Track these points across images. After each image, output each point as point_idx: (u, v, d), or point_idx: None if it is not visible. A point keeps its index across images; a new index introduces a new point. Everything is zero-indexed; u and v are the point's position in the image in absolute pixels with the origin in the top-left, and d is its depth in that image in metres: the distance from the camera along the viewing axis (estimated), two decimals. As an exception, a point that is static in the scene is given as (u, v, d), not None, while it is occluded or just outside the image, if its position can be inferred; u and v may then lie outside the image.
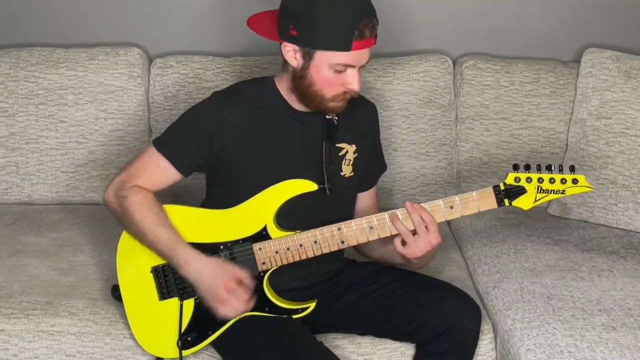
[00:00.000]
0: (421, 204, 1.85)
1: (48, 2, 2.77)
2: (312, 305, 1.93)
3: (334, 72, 1.81)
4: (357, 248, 2.02)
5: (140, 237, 1.91)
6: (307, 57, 1.81)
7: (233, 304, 1.85)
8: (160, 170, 1.92)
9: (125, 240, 1.96)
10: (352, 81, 1.83)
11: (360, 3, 1.80)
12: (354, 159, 1.99)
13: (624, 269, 2.25)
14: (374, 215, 1.87)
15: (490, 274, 2.26)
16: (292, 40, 1.81)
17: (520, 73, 2.67)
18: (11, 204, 2.64)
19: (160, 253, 1.90)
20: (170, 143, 1.93)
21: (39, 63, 2.61)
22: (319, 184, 1.88)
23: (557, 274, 2.21)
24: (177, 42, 2.78)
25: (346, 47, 1.77)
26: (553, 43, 2.82)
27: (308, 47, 1.80)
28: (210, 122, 1.90)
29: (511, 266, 2.27)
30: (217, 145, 1.90)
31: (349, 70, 1.82)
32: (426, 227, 1.83)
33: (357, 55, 1.80)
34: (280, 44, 1.85)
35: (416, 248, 1.83)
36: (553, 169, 1.85)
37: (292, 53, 1.83)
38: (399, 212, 1.85)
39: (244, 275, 1.86)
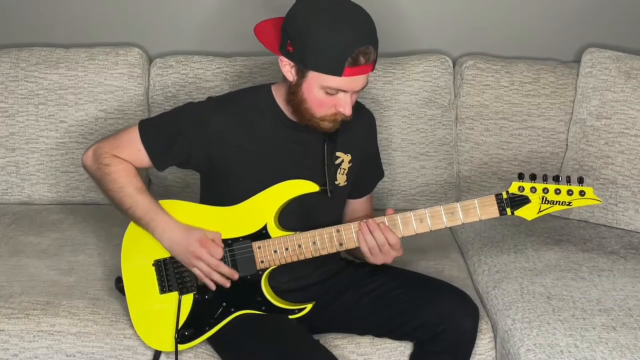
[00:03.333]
0: (385, 222, 1.87)
1: (48, 2, 2.77)
2: (309, 306, 1.94)
3: (325, 94, 1.81)
4: None
5: (119, 203, 1.95)
6: (301, 74, 1.81)
7: (207, 258, 1.87)
8: (139, 155, 1.96)
9: (131, 233, 1.98)
10: (343, 105, 1.82)
11: (360, 29, 1.78)
12: (348, 168, 1.99)
13: (624, 269, 2.25)
14: (374, 219, 1.88)
15: (490, 274, 2.26)
16: (288, 55, 1.81)
17: (520, 73, 2.67)
18: (11, 204, 2.64)
19: (137, 219, 1.93)
20: (153, 136, 1.96)
21: (39, 63, 2.61)
22: (320, 185, 1.89)
23: (557, 274, 2.21)
24: (177, 42, 2.78)
25: (337, 72, 1.76)
26: (553, 43, 2.82)
27: (301, 65, 1.80)
28: (194, 127, 1.92)
29: (511, 266, 2.27)
30: (198, 150, 1.92)
31: (341, 94, 1.81)
32: (389, 244, 1.86)
33: (350, 82, 1.78)
34: (279, 56, 1.85)
35: (379, 259, 1.89)
36: (560, 179, 1.82)
37: (288, 67, 1.83)
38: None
39: (213, 234, 1.90)
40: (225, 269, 1.89)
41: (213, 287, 1.92)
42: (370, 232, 1.85)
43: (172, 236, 1.90)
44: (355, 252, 2.01)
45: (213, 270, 1.89)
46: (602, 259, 2.30)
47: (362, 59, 1.76)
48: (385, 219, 1.87)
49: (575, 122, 2.63)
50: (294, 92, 1.84)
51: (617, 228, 2.52)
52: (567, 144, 2.65)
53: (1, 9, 2.79)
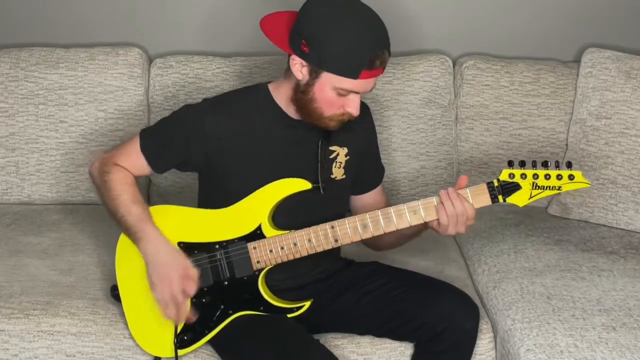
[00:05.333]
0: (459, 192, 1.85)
1: (48, 2, 2.77)
2: (307, 304, 1.94)
3: (337, 94, 1.82)
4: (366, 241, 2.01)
5: (114, 211, 1.95)
6: (314, 74, 1.82)
7: (176, 290, 1.85)
8: (139, 162, 1.98)
9: (125, 240, 1.97)
10: (352, 105, 1.84)
11: (376, 34, 1.80)
12: (346, 162, 1.99)
13: (624, 269, 2.25)
14: (367, 214, 1.88)
15: (490, 274, 2.26)
16: (302, 55, 1.81)
17: (520, 73, 2.67)
18: (11, 204, 2.64)
19: (127, 228, 1.92)
20: (151, 141, 1.98)
21: (39, 63, 2.61)
22: (312, 183, 1.89)
23: (557, 274, 2.21)
24: (177, 42, 2.78)
25: (354, 75, 1.78)
26: (553, 43, 2.82)
27: (317, 66, 1.80)
28: (190, 128, 1.93)
29: (511, 266, 2.27)
30: (196, 151, 1.93)
31: (352, 95, 1.83)
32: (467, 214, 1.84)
33: (363, 84, 1.81)
34: (289, 55, 1.85)
35: (452, 229, 1.86)
36: (549, 165, 1.83)
37: (299, 66, 1.83)
38: (434, 200, 1.86)
39: (194, 273, 1.87)
40: (184, 311, 1.87)
41: (166, 316, 1.88)
42: (451, 200, 1.83)
43: (156, 254, 1.88)
44: (378, 241, 1.98)
45: (173, 304, 1.86)
46: (602, 259, 2.30)
47: (378, 63, 1.79)
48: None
49: (575, 122, 2.63)
50: (303, 91, 1.85)
51: (617, 228, 2.52)
52: (567, 144, 2.65)
53: (1, 9, 2.79)
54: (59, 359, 1.99)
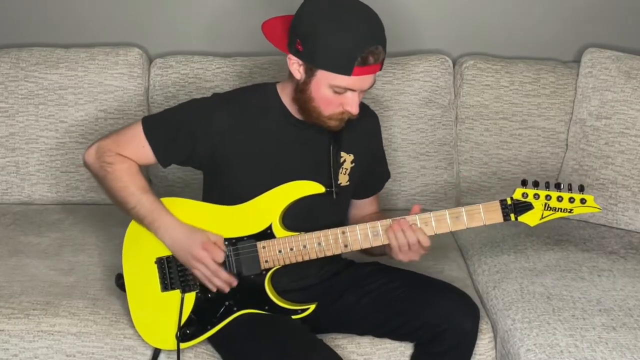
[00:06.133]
0: (412, 220, 1.86)
1: (48, 2, 2.77)
2: (312, 307, 1.94)
3: (334, 92, 1.82)
4: None
5: (122, 202, 1.94)
6: (309, 73, 1.82)
7: (208, 262, 1.87)
8: (144, 151, 1.95)
9: (133, 231, 1.97)
10: (350, 104, 1.83)
11: (369, 29, 1.79)
12: (351, 168, 1.99)
13: (624, 269, 2.25)
14: (378, 222, 1.88)
15: (490, 274, 2.26)
16: (297, 54, 1.82)
17: (520, 73, 2.67)
18: (11, 204, 2.64)
19: (140, 218, 1.92)
20: (157, 131, 1.95)
21: (39, 63, 2.61)
22: (326, 187, 1.89)
23: (557, 274, 2.21)
24: (177, 42, 2.78)
25: (347, 71, 1.77)
26: (553, 43, 2.82)
27: (310, 64, 1.80)
28: (198, 123, 1.92)
29: (511, 266, 2.27)
30: (201, 146, 1.92)
31: (349, 93, 1.82)
32: (421, 244, 1.86)
33: (358, 81, 1.79)
34: (287, 55, 1.85)
35: (406, 257, 1.89)
36: (562, 187, 1.85)
37: (296, 66, 1.84)
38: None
39: (216, 237, 1.89)
40: (224, 275, 1.89)
41: (214, 289, 1.92)
42: (403, 230, 1.85)
43: (175, 237, 1.90)
44: (374, 250, 2.00)
45: (214, 275, 1.89)
46: (602, 259, 2.30)
47: (371, 59, 1.77)
48: (409, 218, 1.87)
49: (575, 122, 2.63)
50: (301, 90, 1.85)
51: (617, 228, 2.52)
52: (567, 144, 2.65)
53: (1, 9, 2.79)
54: (59, 359, 1.99)
